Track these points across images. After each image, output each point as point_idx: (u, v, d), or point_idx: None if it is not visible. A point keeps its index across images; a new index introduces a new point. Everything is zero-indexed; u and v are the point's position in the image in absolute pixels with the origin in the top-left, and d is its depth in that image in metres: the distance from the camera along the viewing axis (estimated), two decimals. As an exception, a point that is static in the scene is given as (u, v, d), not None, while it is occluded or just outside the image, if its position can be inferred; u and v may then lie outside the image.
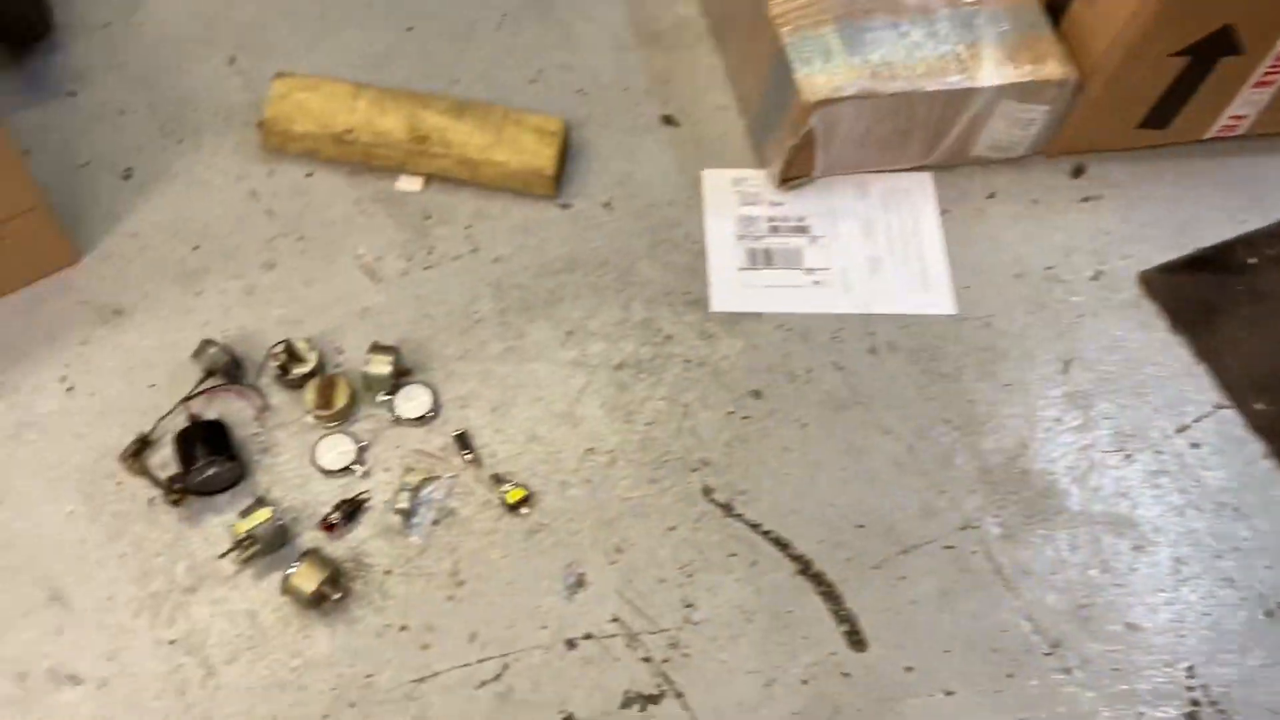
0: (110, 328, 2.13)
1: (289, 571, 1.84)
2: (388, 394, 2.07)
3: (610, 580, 1.94)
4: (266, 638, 1.86)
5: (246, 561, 1.88)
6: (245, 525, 1.86)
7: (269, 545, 1.88)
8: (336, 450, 2.01)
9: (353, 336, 2.13)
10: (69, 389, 2.07)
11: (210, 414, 2.02)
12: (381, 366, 2.03)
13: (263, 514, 1.86)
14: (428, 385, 2.09)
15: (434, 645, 1.88)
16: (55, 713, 1.79)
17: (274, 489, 1.98)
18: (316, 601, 1.85)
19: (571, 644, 1.89)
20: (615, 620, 1.91)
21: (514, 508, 1.98)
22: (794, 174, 2.32)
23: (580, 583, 1.94)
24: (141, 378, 2.08)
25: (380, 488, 1.99)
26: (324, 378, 2.05)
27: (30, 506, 1.96)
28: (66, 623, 1.86)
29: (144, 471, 1.98)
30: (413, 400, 2.07)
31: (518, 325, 2.18)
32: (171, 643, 1.86)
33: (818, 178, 2.34)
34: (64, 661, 1.83)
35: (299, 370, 2.04)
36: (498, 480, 2.01)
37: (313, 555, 1.86)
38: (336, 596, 1.87)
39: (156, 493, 1.96)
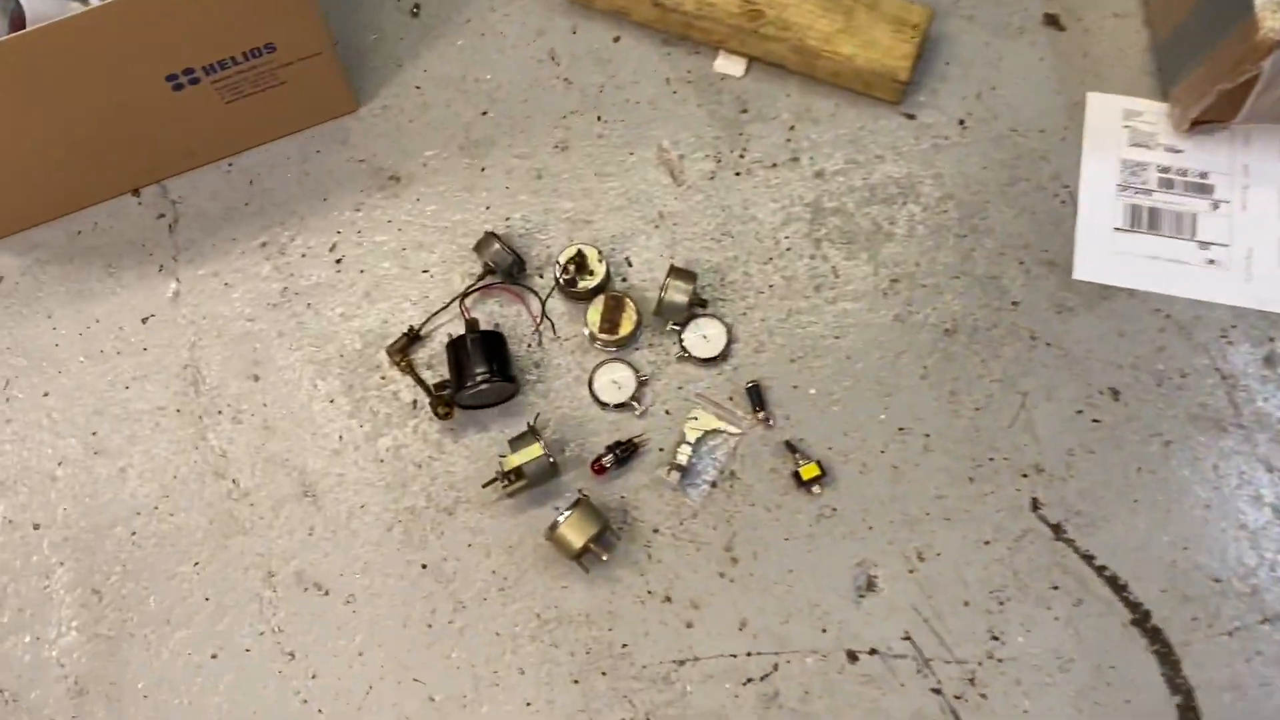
0: (385, 195, 1.91)
1: (558, 519, 1.64)
2: (677, 325, 1.79)
3: (906, 591, 1.67)
4: (521, 581, 1.70)
5: (510, 495, 1.69)
6: (516, 459, 1.67)
7: (536, 481, 1.69)
8: (615, 381, 1.77)
9: (643, 247, 1.85)
10: (338, 260, 1.88)
11: (484, 313, 1.80)
12: (678, 294, 1.75)
13: (534, 450, 1.66)
14: (722, 321, 1.80)
15: (698, 625, 1.67)
16: (299, 618, 1.69)
17: (545, 412, 1.77)
18: (579, 554, 1.65)
19: (853, 656, 1.65)
20: (906, 639, 1.65)
21: (805, 484, 1.71)
22: (1208, 118, 1.83)
23: (870, 585, 1.68)
24: (415, 260, 1.87)
25: (658, 432, 1.75)
26: (611, 296, 1.79)
27: (291, 387, 1.82)
28: (318, 524, 1.75)
29: (411, 370, 1.80)
30: (705, 337, 1.80)
31: (833, 259, 1.85)
32: (423, 567, 1.72)
33: (1235, 125, 1.85)
34: (312, 566, 1.72)
35: (586, 283, 1.79)
36: (790, 449, 1.73)
37: (584, 506, 1.65)
38: (604, 558, 1.67)
39: (420, 395, 1.78)
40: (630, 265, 1.84)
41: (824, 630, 1.64)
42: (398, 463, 1.76)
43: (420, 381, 1.79)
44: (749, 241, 1.85)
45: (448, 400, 1.74)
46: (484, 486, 1.71)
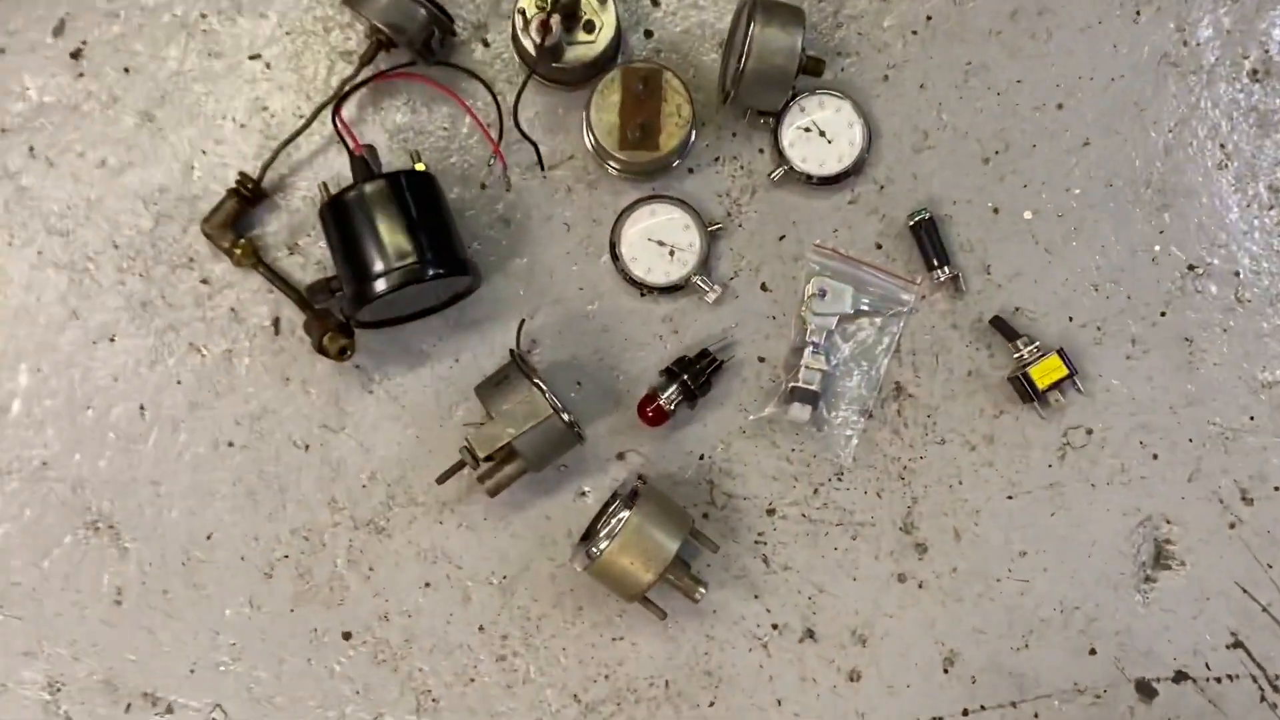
0: None
1: (597, 541, 0.83)
2: (767, 115, 0.91)
3: (1223, 562, 0.93)
4: (536, 644, 0.90)
5: (493, 490, 0.86)
6: (496, 429, 0.82)
7: (539, 457, 0.86)
8: (659, 239, 0.91)
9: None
10: (76, 54, 0.93)
11: (385, 132, 0.91)
12: (771, 49, 0.86)
13: (528, 402, 0.82)
14: (851, 100, 0.92)
15: (870, 677, 0.91)
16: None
17: (536, 317, 0.92)
18: (646, 590, 0.85)
19: (1146, 690, 0.92)
20: (1235, 645, 0.91)
21: (1039, 393, 0.92)
22: None
23: (1161, 559, 0.93)
24: (233, 38, 0.93)
25: (752, 328, 0.91)
26: (634, 70, 0.90)
27: (27, 319, 0.91)
28: (123, 623, 0.89)
29: (258, 261, 0.90)
30: (823, 134, 0.93)
31: None
32: (345, 638, 0.89)
33: None
34: (117, 676, 0.88)
35: (584, 48, 0.89)
36: (1003, 329, 0.93)
37: (645, 502, 0.83)
38: (699, 595, 0.86)
39: (284, 308, 0.90)
40: (656, 4, 0.92)
41: (1092, 651, 0.90)
42: (258, 448, 0.90)
43: (279, 281, 0.90)
44: (875, -61, 0.94)
45: (340, 316, 0.87)
46: (439, 481, 0.86)
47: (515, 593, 0.93)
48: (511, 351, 0.89)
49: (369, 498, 0.93)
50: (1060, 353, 0.93)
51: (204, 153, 0.94)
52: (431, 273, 0.84)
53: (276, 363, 0.93)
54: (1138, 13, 0.98)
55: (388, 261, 0.83)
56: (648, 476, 0.90)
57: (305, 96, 0.94)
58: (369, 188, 0.85)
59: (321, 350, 0.88)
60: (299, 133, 0.92)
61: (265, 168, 0.92)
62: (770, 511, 0.94)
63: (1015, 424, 0.95)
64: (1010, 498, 0.95)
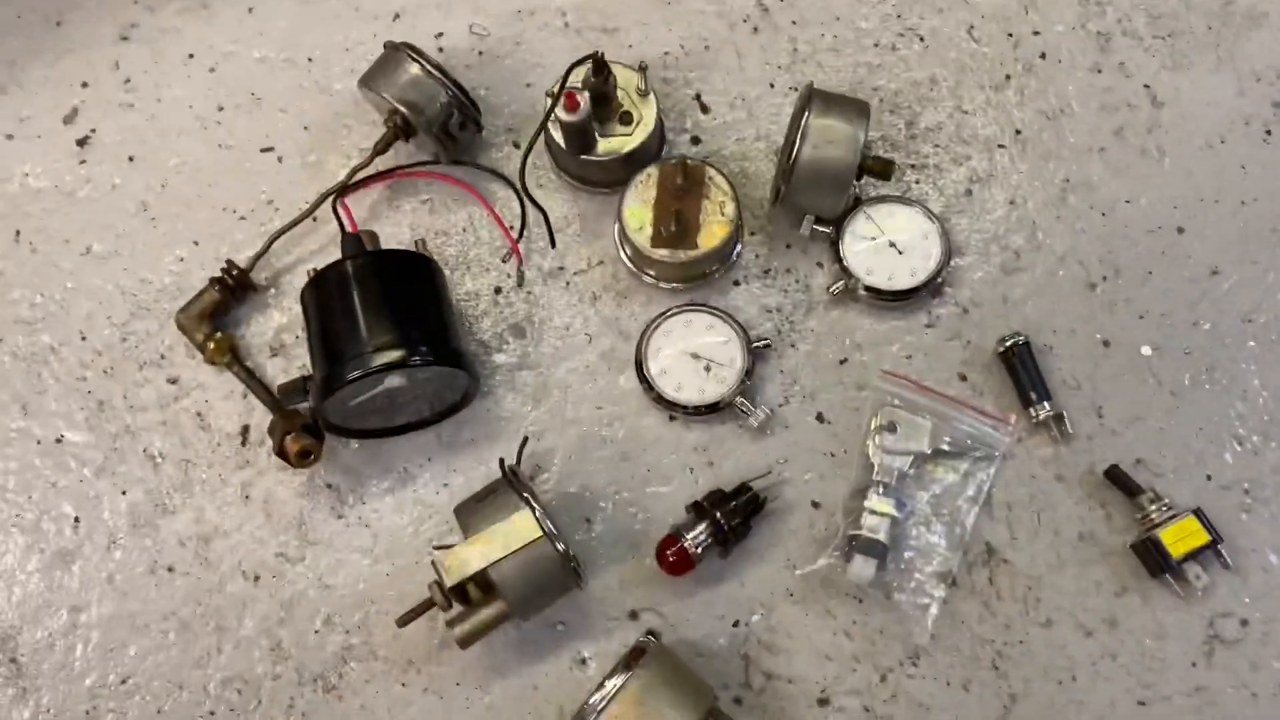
0: (179, 6, 0.89)
1: (592, 706, 0.62)
2: (823, 225, 0.78)
3: None
4: None
5: (465, 640, 0.67)
6: (475, 554, 0.64)
7: (526, 601, 0.68)
8: (696, 352, 0.76)
9: (731, 68, 0.85)
10: (83, 142, 0.86)
11: (394, 224, 0.80)
12: (830, 147, 0.74)
13: (520, 526, 0.65)
14: (924, 208, 0.79)
15: None
16: None
17: (541, 434, 0.76)
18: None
19: None
20: None
21: (1170, 564, 0.71)
22: None
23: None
24: (239, 124, 0.86)
25: (800, 463, 0.73)
26: (674, 166, 0.78)
27: (-33, 417, 0.80)
28: (18, 733, 0.72)
29: (234, 359, 0.78)
30: (892, 244, 0.79)
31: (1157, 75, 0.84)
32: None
33: None
34: None
35: (617, 140, 0.78)
36: (1121, 482, 0.73)
37: (652, 667, 0.64)
38: (715, 801, 0.64)
39: (253, 410, 0.76)
40: (706, 111, 0.82)
41: None
42: (200, 576, 0.74)
43: (252, 379, 0.77)
44: (963, 46, 0.84)
45: (307, 417, 0.73)
46: (401, 624, 0.68)
47: (489, 786, 0.73)
48: (501, 461, 0.73)
49: (321, 647, 0.75)
50: (1198, 513, 0.73)
51: (196, 244, 0.85)
52: (415, 359, 0.70)
53: (238, 477, 0.79)
54: (1268, 132, 0.85)
55: (361, 345, 0.70)
56: (659, 634, 0.70)
57: (315, 192, 0.85)
58: (353, 263, 0.73)
59: (281, 454, 0.74)
60: (298, 221, 0.82)
61: (257, 257, 0.82)
62: (823, 701, 0.73)
63: (1144, 606, 0.74)
64: (1142, 704, 0.72)
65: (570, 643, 0.75)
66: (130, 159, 0.88)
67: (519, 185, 0.82)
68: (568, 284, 0.83)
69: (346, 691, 0.74)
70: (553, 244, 0.83)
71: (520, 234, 0.84)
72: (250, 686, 0.75)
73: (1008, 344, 0.78)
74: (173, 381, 0.82)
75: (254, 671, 0.75)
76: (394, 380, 0.72)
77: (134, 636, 0.76)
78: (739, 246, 0.83)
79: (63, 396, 0.82)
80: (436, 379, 0.74)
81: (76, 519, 0.79)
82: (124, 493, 0.79)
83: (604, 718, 0.64)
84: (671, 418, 0.79)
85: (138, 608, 0.77)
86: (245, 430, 0.80)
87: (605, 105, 0.81)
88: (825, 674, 0.73)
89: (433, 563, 0.68)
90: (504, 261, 0.83)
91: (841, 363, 0.80)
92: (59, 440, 0.81)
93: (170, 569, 0.78)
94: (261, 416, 0.80)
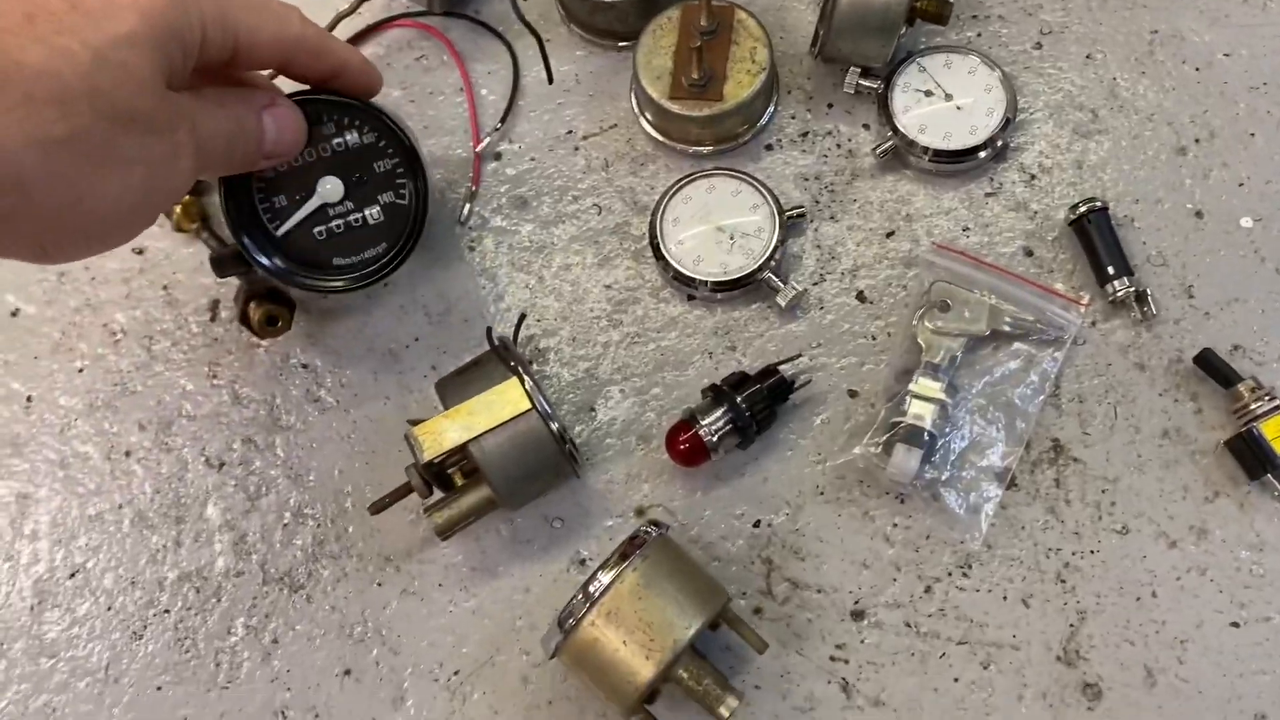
0: None
1: (572, 613, 0.53)
2: (870, 76, 0.67)
3: None
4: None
5: (445, 531, 0.58)
6: (448, 431, 0.55)
7: (508, 485, 0.57)
8: (720, 224, 0.65)
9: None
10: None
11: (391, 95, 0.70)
12: (879, -21, 0.63)
13: (506, 396, 0.55)
14: (987, 59, 0.67)
15: None
16: None
17: (540, 319, 0.66)
18: (648, 696, 0.53)
19: None
20: None
21: (1273, 462, 0.57)
22: None
23: None
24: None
25: (838, 346, 0.62)
26: (698, 4, 0.67)
27: None
28: None
29: (201, 228, 0.70)
30: (949, 97, 0.68)
31: None
32: (219, 742, 0.60)
33: None
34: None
35: (631, -24, 0.68)
36: (1212, 368, 0.60)
37: (654, 557, 0.54)
38: (727, 713, 0.54)
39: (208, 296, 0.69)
40: (736, -45, 0.73)
41: None
42: (159, 462, 0.66)
43: (220, 244, 0.69)
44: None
45: (278, 284, 0.64)
46: (373, 511, 0.59)
47: (469, 698, 0.64)
48: (489, 330, 0.64)
49: (289, 542, 0.67)
50: (1307, 408, 0.62)
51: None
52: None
53: (203, 355, 0.71)
54: (1398, -26, 0.72)
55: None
56: (667, 527, 0.61)
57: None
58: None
59: (245, 320, 0.65)
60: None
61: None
62: (857, 614, 0.63)
63: (1240, 513, 0.63)
64: (1236, 625, 0.61)
65: (568, 541, 0.65)
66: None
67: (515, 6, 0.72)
68: (576, 148, 0.74)
69: (316, 592, 0.66)
70: (550, 78, 0.74)
71: (513, 90, 0.74)
72: (209, 584, 0.67)
73: (1081, 210, 0.67)
74: (139, 252, 0.74)
75: (214, 568, 0.67)
76: (327, 184, 0.63)
77: (85, 527, 0.68)
78: (773, 104, 0.73)
79: (20, 267, 0.74)
80: (381, 182, 0.64)
81: (29, 397, 0.71)
82: (80, 369, 0.71)
83: (596, 611, 0.55)
84: (690, 297, 0.70)
85: (89, 498, 0.69)
86: (215, 305, 0.72)
87: (620, -63, 0.71)
88: (860, 583, 0.63)
89: (406, 438, 0.59)
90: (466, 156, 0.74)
91: (888, 236, 0.70)
92: (14, 314, 0.73)
93: (127, 453, 0.70)
94: (232, 290, 0.71)
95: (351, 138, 0.63)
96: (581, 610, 0.55)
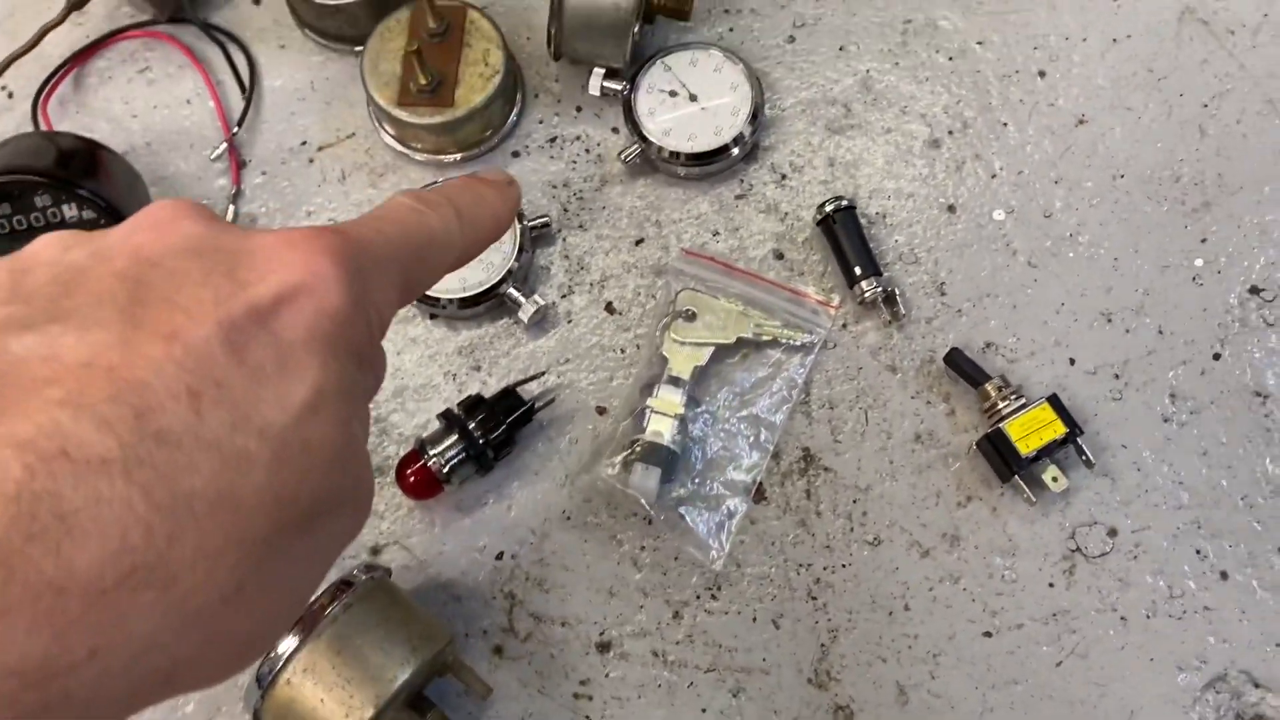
0: None
1: (268, 671, 0.48)
2: (612, 78, 0.64)
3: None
4: None
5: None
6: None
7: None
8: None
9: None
10: None
11: (98, 108, 0.66)
12: (608, -25, 0.59)
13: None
14: (732, 55, 0.64)
15: None
16: None
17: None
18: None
19: None
20: None
21: (1020, 463, 0.55)
22: None
23: None
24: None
25: (583, 363, 0.59)
26: (427, 5, 0.63)
27: None
28: None
29: None
30: (693, 97, 0.65)
31: None
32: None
33: None
34: None
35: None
36: (964, 372, 0.58)
37: (357, 617, 0.50)
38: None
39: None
40: (482, -49, 0.69)
41: None
42: None
43: None
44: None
45: None
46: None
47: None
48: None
49: None
50: (1053, 401, 0.60)
51: None
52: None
53: None
54: (1141, -45, 0.71)
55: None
56: (383, 571, 0.57)
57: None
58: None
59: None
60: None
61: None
62: (603, 646, 0.60)
63: (992, 517, 0.61)
64: (989, 634, 0.59)
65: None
66: None
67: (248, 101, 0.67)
68: (311, 160, 0.69)
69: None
70: (243, 90, 0.69)
71: (248, 98, 0.69)
72: None
73: (827, 210, 0.64)
74: None
75: None
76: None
77: None
78: (517, 109, 0.69)
79: None
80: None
81: None
82: None
83: (291, 668, 0.50)
84: (432, 315, 0.66)
85: None
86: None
87: (340, -64, 0.66)
88: (607, 613, 0.60)
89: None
90: (213, 160, 0.68)
91: (637, 243, 0.67)
92: None
93: None
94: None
95: None
96: (276, 666, 0.51)
